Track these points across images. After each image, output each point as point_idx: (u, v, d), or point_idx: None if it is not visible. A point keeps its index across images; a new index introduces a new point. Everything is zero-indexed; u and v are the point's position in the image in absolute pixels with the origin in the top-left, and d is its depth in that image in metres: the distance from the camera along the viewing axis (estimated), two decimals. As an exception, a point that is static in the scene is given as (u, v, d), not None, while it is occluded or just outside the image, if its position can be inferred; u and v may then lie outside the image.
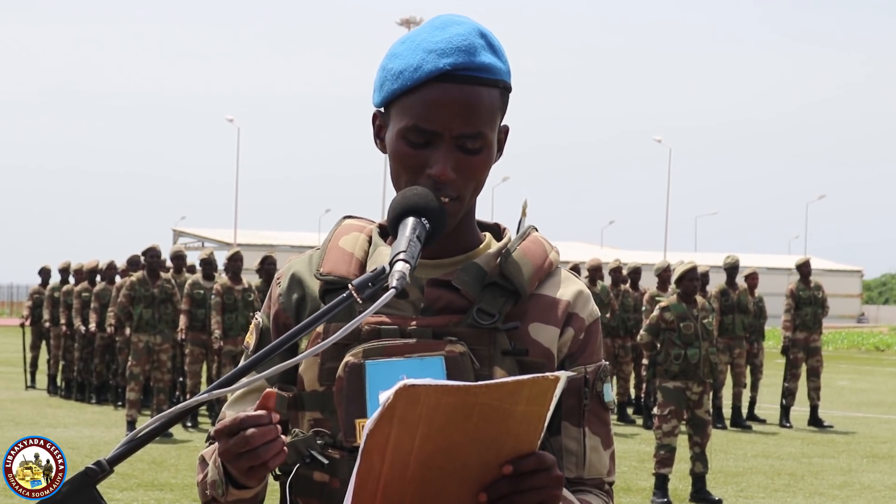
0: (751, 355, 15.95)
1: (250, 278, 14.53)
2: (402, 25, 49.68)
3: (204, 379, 15.12)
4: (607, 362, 2.02)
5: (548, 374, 1.63)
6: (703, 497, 10.14)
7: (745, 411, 16.03)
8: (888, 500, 10.47)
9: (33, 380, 19.62)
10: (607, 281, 16.33)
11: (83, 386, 17.76)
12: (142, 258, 14.49)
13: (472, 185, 1.91)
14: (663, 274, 14.93)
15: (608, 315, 15.50)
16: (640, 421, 15.76)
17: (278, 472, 1.90)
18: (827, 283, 18.89)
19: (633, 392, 16.74)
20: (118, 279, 17.03)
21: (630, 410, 16.39)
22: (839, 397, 20.62)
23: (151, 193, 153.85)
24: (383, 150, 1.96)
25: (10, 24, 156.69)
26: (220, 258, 15.85)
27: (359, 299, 1.69)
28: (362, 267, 1.97)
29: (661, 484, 10.05)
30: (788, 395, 15.81)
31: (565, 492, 1.83)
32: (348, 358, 1.88)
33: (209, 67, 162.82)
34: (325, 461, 1.88)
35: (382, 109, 1.96)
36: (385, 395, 1.56)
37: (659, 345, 10.31)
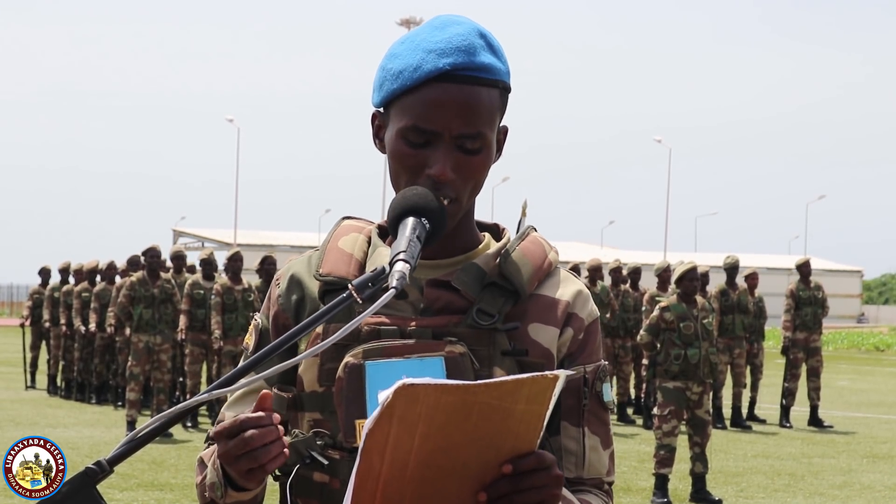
0: (751, 355, 15.95)
1: (250, 278, 14.52)
2: (402, 25, 49.68)
3: (204, 379, 15.12)
4: (606, 362, 2.02)
5: (547, 372, 1.63)
6: (703, 497, 10.14)
7: (745, 411, 16.03)
8: (888, 501, 10.47)
9: (33, 380, 19.62)
10: (607, 281, 16.32)
11: (83, 386, 17.76)
12: (142, 258, 14.49)
13: (470, 186, 1.91)
14: (663, 274, 14.93)
15: (608, 315, 15.50)
16: (640, 421, 15.76)
17: (278, 473, 1.90)
18: (827, 283, 18.89)
19: (633, 392, 16.74)
20: (118, 279, 17.03)
21: (630, 410, 16.39)
22: (839, 397, 20.62)
23: (151, 193, 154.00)
24: (382, 150, 1.96)
25: (10, 24, 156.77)
26: (220, 258, 15.85)
27: (359, 299, 1.69)
28: (362, 267, 1.97)
29: (661, 484, 10.05)
30: (788, 395, 15.81)
31: (565, 491, 1.83)
32: (348, 358, 1.88)
33: (209, 67, 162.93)
34: (325, 462, 1.88)
35: (382, 109, 1.96)
36: (384, 395, 1.56)
37: (659, 345, 10.31)
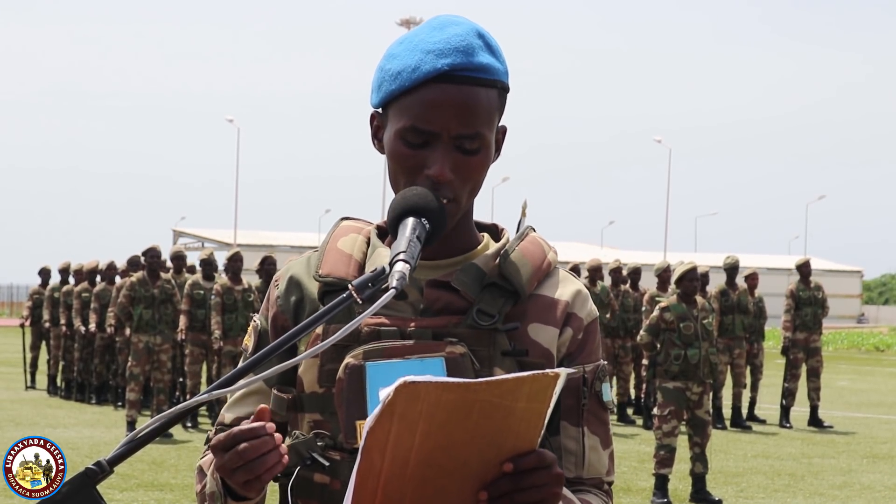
0: (751, 356, 15.95)
1: (250, 279, 14.52)
2: (402, 26, 49.66)
3: (204, 379, 15.11)
4: (606, 362, 2.02)
5: (548, 370, 1.63)
6: (703, 497, 10.14)
7: (745, 412, 16.03)
8: (888, 501, 10.47)
9: (33, 380, 19.61)
10: (607, 281, 16.32)
11: (83, 386, 17.76)
12: (142, 258, 14.49)
13: (469, 186, 1.91)
14: (663, 274, 14.93)
15: (608, 315, 15.49)
16: (640, 421, 15.76)
17: (279, 475, 1.90)
18: (827, 283, 18.89)
19: (633, 392, 16.73)
20: (118, 279, 17.03)
21: (630, 411, 16.39)
22: (839, 398, 20.61)
23: (151, 194, 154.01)
24: (381, 150, 1.96)
25: (10, 24, 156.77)
26: (220, 258, 15.85)
27: (359, 300, 1.69)
28: (361, 268, 1.96)
29: (661, 484, 10.05)
30: (788, 395, 15.81)
31: (565, 490, 1.83)
32: (348, 359, 1.88)
33: (209, 67, 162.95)
34: (326, 463, 1.88)
35: (380, 110, 1.96)
36: (385, 392, 1.56)
37: (659, 345, 10.31)
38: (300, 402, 1.93)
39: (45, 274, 19.25)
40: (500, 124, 1.96)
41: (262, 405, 1.74)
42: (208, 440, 2.03)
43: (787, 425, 15.70)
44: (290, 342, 1.69)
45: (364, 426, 1.59)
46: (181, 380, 15.21)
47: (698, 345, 10.11)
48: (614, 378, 15.93)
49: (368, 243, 2.01)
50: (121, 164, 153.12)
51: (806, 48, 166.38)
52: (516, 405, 1.62)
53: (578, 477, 1.96)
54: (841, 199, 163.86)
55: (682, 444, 11.06)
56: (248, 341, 2.04)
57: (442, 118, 1.87)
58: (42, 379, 19.92)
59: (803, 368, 15.73)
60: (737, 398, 15.73)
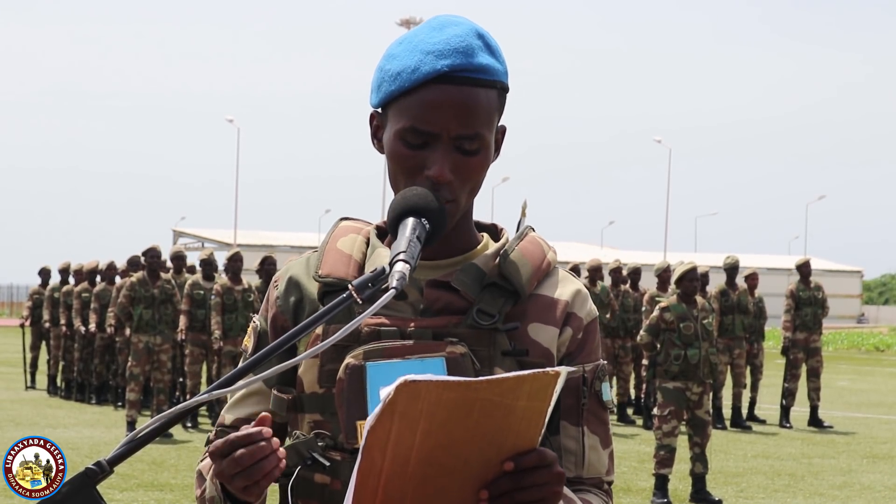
0: (751, 356, 15.95)
1: (250, 279, 14.52)
2: (402, 26, 49.66)
3: (204, 379, 15.11)
4: (605, 361, 2.02)
5: (548, 369, 1.63)
6: (703, 497, 10.14)
7: (745, 412, 16.03)
8: (888, 501, 10.47)
9: (33, 380, 19.61)
10: (607, 281, 16.32)
11: (83, 386, 17.76)
12: (142, 259, 14.49)
13: (469, 186, 1.91)
14: (663, 274, 14.93)
15: (608, 315, 15.49)
16: (640, 421, 15.76)
17: (279, 475, 1.90)
18: (827, 283, 18.89)
19: (633, 392, 16.74)
20: (118, 280, 17.03)
21: (630, 411, 16.39)
22: (839, 398, 20.61)
23: (151, 194, 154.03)
24: (381, 150, 1.96)
25: (10, 24, 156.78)
26: (220, 258, 15.85)
27: (359, 300, 1.69)
28: (361, 268, 1.96)
29: (661, 484, 10.05)
30: (788, 395, 15.81)
31: (565, 489, 1.83)
32: (349, 360, 1.88)
33: (209, 67, 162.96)
34: (327, 463, 1.88)
35: (380, 110, 1.96)
36: (386, 391, 1.56)
37: (659, 345, 10.31)
38: (300, 402, 1.93)
39: (45, 274, 19.25)
40: (499, 124, 1.96)
41: (264, 413, 1.75)
42: (208, 442, 2.04)
43: (787, 425, 15.70)
44: (289, 342, 1.69)
45: (365, 425, 1.59)
46: (181, 380, 15.22)
47: (698, 345, 10.11)
48: (614, 378, 15.93)
49: (368, 244, 2.01)
50: (121, 164, 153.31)
51: (806, 48, 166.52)
52: (517, 404, 1.62)
53: (578, 477, 1.96)
54: (841, 199, 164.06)
55: (682, 445, 11.06)
56: (248, 342, 2.04)
57: (442, 119, 1.87)
58: (42, 379, 19.92)
59: (803, 368, 15.73)
60: (737, 398, 15.73)
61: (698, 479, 10.18)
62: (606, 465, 2.00)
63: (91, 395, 17.45)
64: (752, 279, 16.01)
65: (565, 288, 1.99)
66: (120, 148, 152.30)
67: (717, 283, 15.48)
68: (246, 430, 1.72)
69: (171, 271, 14.97)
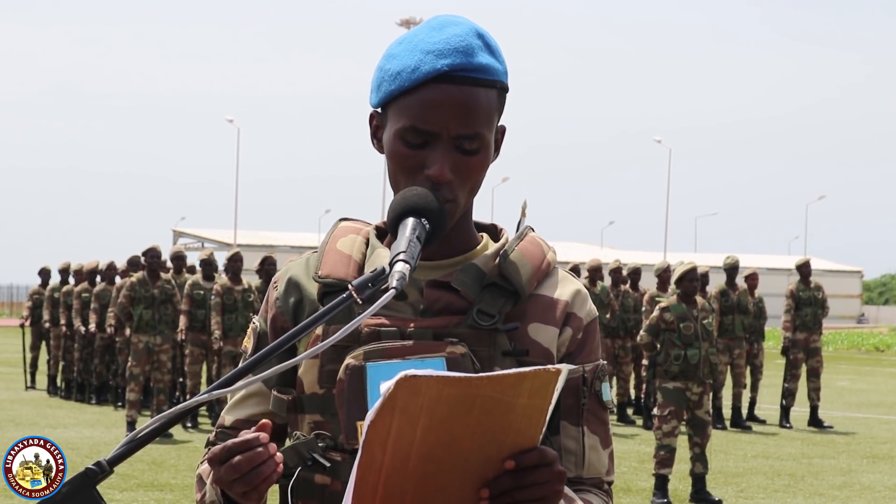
0: (751, 356, 15.95)
1: (250, 279, 14.52)
2: (402, 26, 49.66)
3: (204, 379, 15.11)
4: (605, 361, 2.02)
5: (549, 366, 1.63)
6: (703, 497, 10.14)
7: (745, 412, 16.03)
8: (888, 501, 10.47)
9: (33, 380, 19.62)
10: (607, 281, 16.32)
11: (83, 386, 17.76)
12: (142, 259, 14.49)
13: (468, 186, 1.91)
14: (663, 274, 14.93)
15: (608, 316, 15.49)
16: (640, 421, 15.76)
17: (280, 476, 1.90)
18: (827, 283, 18.88)
19: (633, 392, 16.74)
20: (118, 280, 17.03)
21: (630, 411, 16.39)
22: (839, 398, 20.61)
23: (151, 194, 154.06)
24: (380, 150, 1.96)
25: (10, 24, 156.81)
26: (220, 259, 15.86)
27: (358, 300, 1.69)
28: (361, 269, 1.96)
29: (661, 484, 10.05)
30: (788, 395, 15.81)
31: (566, 488, 1.83)
32: (349, 360, 1.88)
33: (209, 67, 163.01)
34: (327, 464, 1.88)
35: (380, 110, 1.96)
36: (386, 385, 1.55)
37: (659, 345, 10.31)
38: (300, 403, 1.93)
39: (45, 274, 19.25)
40: (499, 124, 1.96)
41: (264, 420, 1.75)
42: (208, 443, 2.04)
43: (787, 425, 15.70)
44: (289, 342, 1.69)
45: (365, 419, 1.58)
46: (181, 380, 15.22)
47: (698, 345, 10.11)
48: (614, 378, 15.93)
49: (367, 244, 2.01)
50: (121, 164, 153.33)
51: (806, 48, 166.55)
52: (518, 401, 1.62)
53: (578, 477, 1.96)
54: (841, 199, 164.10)
55: (682, 445, 11.06)
56: (248, 343, 2.04)
57: (442, 118, 1.87)
58: (42, 379, 19.92)
59: (803, 368, 15.74)
60: (737, 398, 15.73)
61: (698, 480, 10.18)
62: (606, 465, 2.00)
63: (91, 396, 17.45)
64: (752, 279, 16.01)
65: (565, 288, 1.99)
66: (120, 148, 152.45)
67: (717, 283, 15.48)
68: (244, 435, 1.73)
69: (171, 271, 14.97)
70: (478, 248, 1.99)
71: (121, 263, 17.63)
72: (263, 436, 1.72)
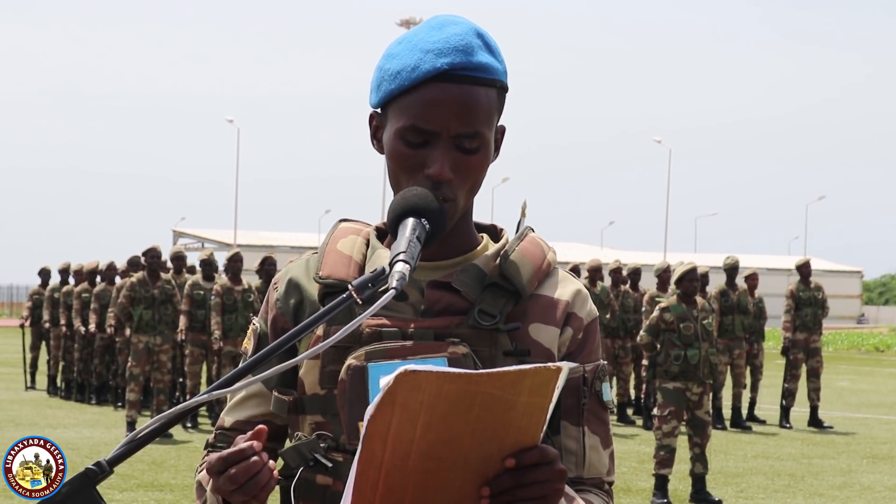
0: (751, 356, 15.95)
1: (250, 279, 14.52)
2: (402, 26, 49.69)
3: (204, 380, 15.12)
4: (605, 362, 2.02)
5: (549, 364, 1.62)
6: (702, 498, 10.14)
7: (744, 412, 16.03)
8: (888, 501, 10.47)
9: (33, 380, 19.62)
10: (607, 282, 16.32)
11: (83, 387, 17.76)
12: (142, 259, 14.49)
13: (468, 185, 1.91)
14: (663, 275, 14.93)
15: (608, 316, 15.49)
16: (639, 422, 15.76)
17: (281, 477, 1.90)
18: (827, 283, 18.89)
19: (632, 393, 16.74)
20: (118, 280, 17.04)
21: (630, 411, 16.39)
22: (839, 398, 20.61)
23: (151, 194, 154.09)
24: (380, 150, 1.96)
25: (10, 24, 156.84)
26: (220, 259, 15.86)
27: (359, 300, 1.69)
28: (361, 269, 1.96)
29: (661, 485, 10.05)
30: (788, 395, 15.81)
31: (567, 487, 1.83)
32: (351, 360, 1.87)
33: (209, 68, 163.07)
34: (329, 464, 1.88)
35: (380, 110, 1.96)
36: (385, 380, 1.55)
37: (659, 345, 10.31)
38: (301, 404, 1.93)
39: (45, 274, 19.26)
40: (499, 124, 1.96)
41: (260, 426, 1.75)
42: (208, 445, 2.04)
43: (787, 426, 15.70)
44: (290, 342, 1.69)
45: (365, 414, 1.58)
46: (181, 380, 15.22)
47: (698, 345, 10.11)
48: (614, 378, 15.93)
49: (368, 245, 2.01)
50: (121, 164, 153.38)
51: (806, 48, 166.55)
52: (518, 399, 1.62)
53: (579, 477, 1.96)
54: (841, 199, 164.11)
55: (682, 445, 11.06)
56: (248, 344, 2.04)
57: (442, 117, 1.87)
58: (42, 379, 19.92)
59: (803, 369, 15.74)
60: (737, 398, 15.73)
61: (698, 480, 10.18)
62: (607, 465, 2.00)
63: (91, 396, 17.45)
64: (751, 279, 16.01)
65: (565, 288, 1.99)
66: (120, 148, 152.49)
67: (717, 283, 15.48)
68: (238, 443, 1.73)
69: (171, 272, 14.97)
70: (478, 248, 1.99)
71: (121, 264, 17.64)
72: (257, 444, 1.72)
